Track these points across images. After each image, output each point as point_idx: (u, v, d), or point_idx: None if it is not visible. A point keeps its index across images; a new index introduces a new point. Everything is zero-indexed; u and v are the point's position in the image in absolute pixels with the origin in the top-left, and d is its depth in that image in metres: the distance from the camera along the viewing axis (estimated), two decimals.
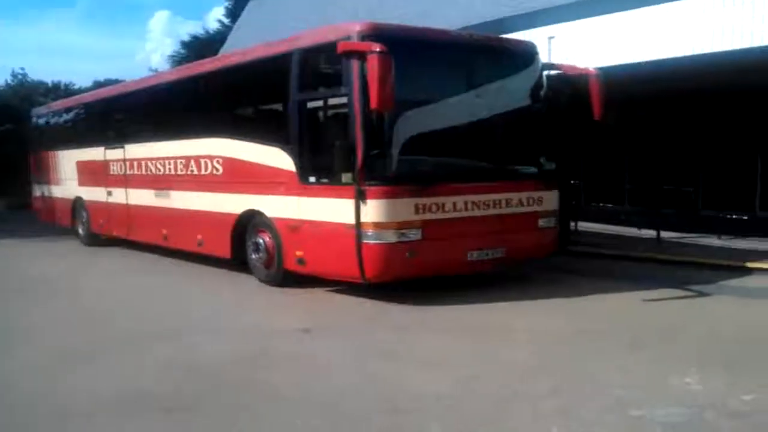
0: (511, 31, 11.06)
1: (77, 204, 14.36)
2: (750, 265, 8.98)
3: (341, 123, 7.48)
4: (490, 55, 8.22)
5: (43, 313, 7.70)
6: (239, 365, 5.44)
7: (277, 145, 8.38)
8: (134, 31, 78.07)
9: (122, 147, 12.27)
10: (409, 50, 7.24)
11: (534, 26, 11.10)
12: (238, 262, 9.46)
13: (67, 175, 14.79)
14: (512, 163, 8.33)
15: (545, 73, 8.59)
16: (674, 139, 13.03)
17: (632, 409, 4.28)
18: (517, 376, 5.06)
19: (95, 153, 13.29)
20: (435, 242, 7.38)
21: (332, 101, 7.74)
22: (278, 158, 8.33)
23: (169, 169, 10.83)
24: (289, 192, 8.19)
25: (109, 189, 12.87)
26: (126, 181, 12.25)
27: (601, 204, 13.99)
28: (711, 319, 6.79)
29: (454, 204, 7.56)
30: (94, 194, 13.53)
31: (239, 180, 9.16)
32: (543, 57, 8.83)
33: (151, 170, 11.38)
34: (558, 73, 8.73)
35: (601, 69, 8.51)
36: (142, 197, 11.71)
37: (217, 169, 9.61)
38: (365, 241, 7.21)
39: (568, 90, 8.79)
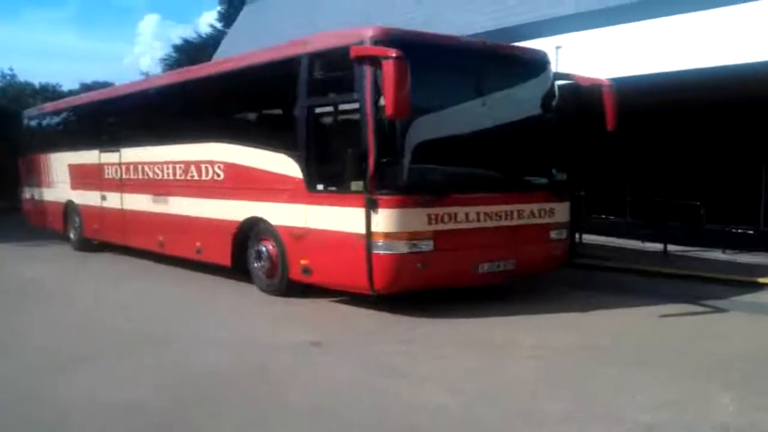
0: (519, 39, 10.88)
1: (69, 208, 14.04)
2: (761, 280, 8.85)
3: (351, 130, 7.28)
4: (503, 63, 8.06)
5: (36, 319, 7.46)
6: (245, 379, 5.23)
7: (283, 152, 8.16)
8: (123, 34, 77.68)
9: (118, 150, 11.98)
10: (423, 56, 7.04)
11: (541, 35, 10.97)
12: (238, 270, 9.21)
13: (58, 178, 14.47)
14: (524, 174, 8.16)
15: (557, 82, 8.45)
16: (677, 152, 12.94)
17: None
18: (528, 395, 4.88)
19: (89, 156, 13.00)
20: (446, 253, 7.18)
21: (342, 107, 7.54)
22: (284, 165, 8.11)
23: (168, 173, 10.58)
24: (294, 199, 7.97)
25: (104, 193, 12.58)
26: (121, 186, 11.97)
27: (603, 216, 13.85)
28: (727, 336, 6.63)
29: (467, 214, 7.37)
30: (87, 198, 13.23)
31: (242, 186, 8.92)
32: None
33: (148, 174, 11.11)
34: (570, 83, 8.57)
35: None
36: (138, 202, 11.43)
37: (219, 175, 9.37)
38: (375, 252, 7.00)
39: (580, 100, 8.62)
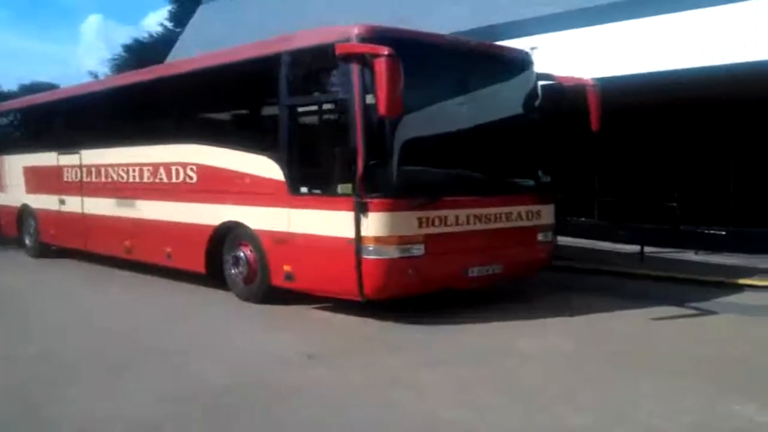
0: (493, 40, 10.81)
1: (24, 212, 13.36)
2: (741, 281, 8.92)
3: (337, 130, 7.04)
4: (489, 62, 7.92)
5: (8, 335, 6.93)
6: (242, 395, 4.89)
7: (262, 153, 7.84)
8: (65, 34, 75.24)
9: (78, 152, 11.43)
10: (409, 54, 6.75)
11: (516, 36, 10.88)
12: (212, 276, 8.83)
13: (12, 181, 13.78)
14: (512, 176, 8.03)
15: (540, 83, 8.35)
16: (647, 153, 13.06)
17: None
18: (545, 405, 4.69)
19: (46, 158, 12.39)
20: (437, 258, 6.98)
21: (327, 107, 7.25)
22: (264, 167, 7.79)
23: (134, 176, 10.11)
24: (276, 203, 7.65)
25: (62, 197, 11.99)
26: (82, 189, 11.42)
27: (572, 217, 13.88)
28: (724, 339, 6.60)
29: (457, 217, 7.19)
30: (44, 202, 12.60)
31: (217, 189, 8.55)
32: None
33: (112, 177, 10.61)
34: (552, 83, 8.47)
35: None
36: (101, 206, 10.90)
37: (191, 178, 8.97)
38: (365, 256, 6.75)
39: (562, 100, 8.53)
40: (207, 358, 5.89)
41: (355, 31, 6.86)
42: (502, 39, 10.88)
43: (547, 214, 8.15)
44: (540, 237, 8.07)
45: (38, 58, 64.04)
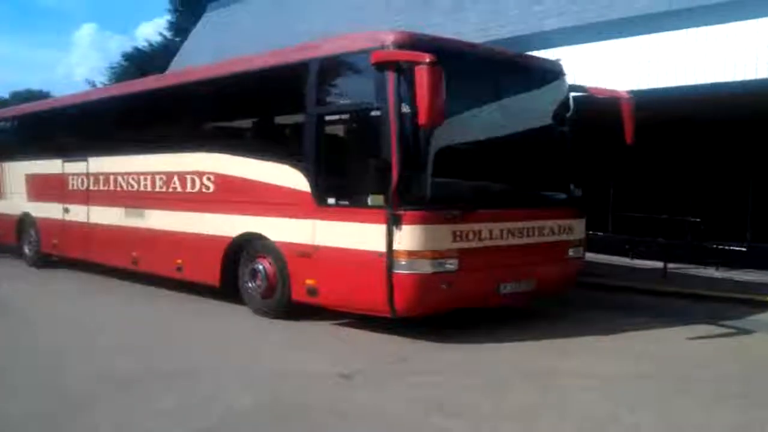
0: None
1: (24, 221, 12.96)
2: None
3: (369, 140, 6.75)
4: (522, 72, 7.69)
5: (17, 351, 6.55)
6: (288, 419, 4.57)
7: (286, 163, 7.54)
8: (58, 42, 74.65)
9: (85, 160, 11.08)
10: (445, 63, 6.50)
11: (539, 48, 10.62)
12: (227, 290, 8.49)
13: (12, 188, 13.39)
14: (544, 189, 7.77)
15: (572, 94, 8.11)
16: (663, 167, 12.86)
17: None
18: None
19: (50, 165, 12.03)
20: (470, 273, 6.69)
21: (358, 115, 6.94)
22: (288, 177, 7.49)
23: (145, 185, 9.77)
24: (300, 214, 7.35)
25: (67, 205, 11.62)
26: (88, 198, 11.06)
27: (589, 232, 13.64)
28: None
29: (491, 231, 6.91)
30: (46, 211, 12.22)
31: (235, 199, 8.23)
32: None
33: (121, 186, 10.27)
34: (584, 95, 8.23)
35: None
36: (108, 215, 10.55)
37: (208, 187, 8.65)
38: (397, 271, 6.45)
39: (594, 113, 8.29)
40: (236, 379, 5.53)
41: (391, 38, 6.61)
42: (527, 51, 10.70)
43: (578, 228, 7.89)
44: (571, 252, 7.82)
45: (30, 66, 63.27)
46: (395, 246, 6.45)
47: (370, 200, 6.67)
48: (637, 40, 10.38)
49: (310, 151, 7.26)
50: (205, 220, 8.65)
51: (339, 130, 7.12)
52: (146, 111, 9.99)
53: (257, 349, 6.60)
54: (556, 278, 7.72)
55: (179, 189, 9.12)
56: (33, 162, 12.65)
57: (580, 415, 4.72)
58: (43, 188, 12.37)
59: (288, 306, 7.68)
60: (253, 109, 8.54)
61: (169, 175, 9.28)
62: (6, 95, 39.62)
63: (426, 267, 6.44)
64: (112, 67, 35.42)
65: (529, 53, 8.87)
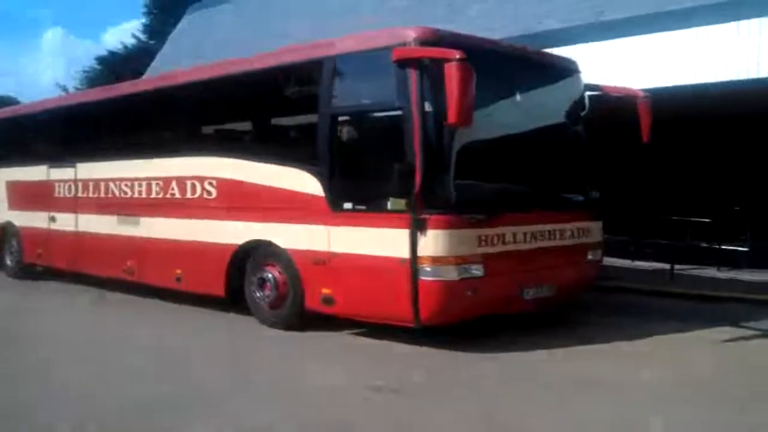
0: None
1: (6, 230, 12.39)
2: None
3: (389, 141, 6.47)
4: (541, 70, 7.46)
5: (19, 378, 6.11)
6: None
7: (298, 166, 7.22)
8: (22, 48, 72.99)
9: (73, 166, 10.60)
10: (470, 61, 6.26)
11: (550, 46, 10.37)
12: (232, 300, 8.13)
13: None
14: (564, 191, 7.55)
15: (587, 93, 7.92)
16: (665, 167, 12.78)
17: None
18: None
19: (34, 172, 11.52)
20: (495, 279, 6.44)
21: (377, 115, 6.66)
22: (299, 181, 7.18)
23: (140, 191, 9.35)
24: (313, 220, 7.04)
25: (53, 213, 11.12)
26: (76, 205, 10.59)
27: None
28: None
29: (514, 235, 6.68)
30: (30, 219, 11.69)
31: (241, 205, 7.89)
32: None
33: (113, 192, 9.82)
34: (598, 93, 8.04)
35: None
36: (99, 224, 10.10)
37: (210, 193, 8.28)
38: (422, 278, 6.18)
39: (608, 112, 8.12)
40: (267, 397, 5.18)
41: (413, 34, 6.35)
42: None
43: (596, 231, 7.70)
44: (590, 256, 7.62)
45: None
46: (419, 252, 6.18)
47: (390, 204, 6.40)
48: (651, 38, 10.18)
49: (324, 153, 6.95)
50: (207, 228, 8.28)
51: (356, 131, 6.82)
52: (141, 114, 9.56)
53: (278, 364, 6.25)
54: (576, 282, 7.53)
55: (178, 195, 8.73)
56: (15, 169, 12.11)
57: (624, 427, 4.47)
58: (26, 196, 11.85)
59: (300, 316, 7.36)
60: (261, 110, 8.17)
61: (167, 181, 8.88)
62: None
63: (452, 273, 6.18)
64: (86, 71, 34.54)
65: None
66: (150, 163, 9.15)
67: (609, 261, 11.60)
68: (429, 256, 6.14)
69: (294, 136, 7.62)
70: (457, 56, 5.72)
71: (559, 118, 7.39)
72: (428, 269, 6.15)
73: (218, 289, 8.13)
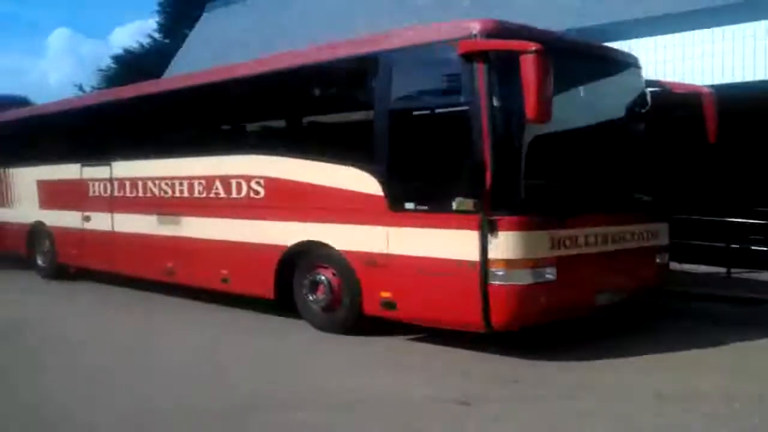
0: None
1: (37, 230, 12.19)
2: None
3: (455, 138, 6.17)
4: (605, 65, 7.14)
5: (66, 382, 5.86)
6: None
7: (354, 165, 6.94)
8: (30, 48, 73.03)
9: (108, 164, 10.37)
10: None
11: (610, 40, 9.99)
12: (282, 303, 7.87)
13: (22, 196, 12.63)
14: (632, 191, 7.24)
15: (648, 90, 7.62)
16: (724, 167, 12.32)
17: None
18: None
19: (66, 170, 11.31)
20: (568, 283, 6.14)
21: (441, 111, 6.33)
22: (355, 180, 6.91)
23: (181, 191, 9.10)
24: (371, 220, 6.77)
25: (87, 213, 10.90)
26: (112, 204, 10.35)
27: None
28: None
29: (586, 237, 6.38)
30: (63, 219, 11.47)
31: (291, 205, 7.62)
32: None
33: (152, 192, 9.57)
34: (660, 90, 7.73)
35: None
36: (136, 223, 9.85)
37: (257, 192, 8.02)
38: (493, 282, 5.89)
39: (673, 109, 7.81)
40: (347, 409, 4.90)
41: (478, 26, 6.06)
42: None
43: (663, 233, 7.39)
44: (658, 259, 7.31)
45: (3, 72, 61.01)
46: (490, 254, 5.89)
47: (455, 204, 6.10)
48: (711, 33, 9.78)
49: (382, 151, 6.67)
50: (254, 228, 8.02)
51: (417, 128, 6.50)
52: (183, 111, 9.30)
53: (345, 371, 5.97)
54: (645, 286, 7.22)
55: (222, 195, 8.47)
56: (46, 167, 11.90)
57: None
58: (58, 195, 11.63)
59: (356, 320, 7.10)
60: (314, 106, 7.88)
61: (210, 180, 8.62)
62: None
63: (525, 277, 5.89)
64: (102, 70, 34.37)
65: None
66: (192, 161, 8.91)
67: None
68: (501, 259, 5.86)
69: (349, 134, 7.32)
70: (534, 48, 5.44)
71: (624, 115, 7.13)
72: (500, 273, 5.87)
73: (267, 291, 7.87)
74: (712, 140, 7.37)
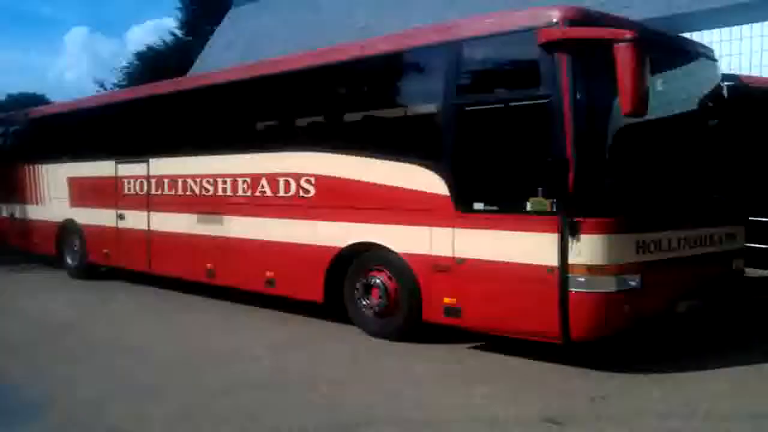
0: None
1: (67, 228, 11.88)
2: None
3: (532, 134, 5.76)
4: (685, 58, 6.69)
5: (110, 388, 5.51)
6: None
7: (415, 162, 6.55)
8: (48, 46, 73.33)
9: (145, 161, 10.02)
10: None
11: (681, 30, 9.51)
12: (331, 307, 7.50)
13: (51, 193, 12.32)
14: (712, 191, 6.78)
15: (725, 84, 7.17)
16: None
17: None
18: None
19: (99, 167, 10.97)
20: (651, 290, 5.69)
21: (516, 105, 5.90)
22: (417, 178, 6.51)
23: (224, 189, 8.73)
24: (435, 222, 6.37)
25: (121, 211, 10.56)
26: (148, 202, 10.01)
27: None
28: None
29: (669, 241, 5.94)
30: (94, 217, 11.15)
31: (344, 205, 7.24)
32: None
33: (193, 190, 9.21)
34: (736, 84, 7.27)
35: None
36: (175, 222, 9.50)
37: (307, 191, 7.64)
38: (574, 289, 5.47)
39: (748, 105, 7.33)
40: (425, 426, 4.53)
41: (559, 14, 5.64)
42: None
43: (741, 237, 6.95)
44: (734, 264, 6.86)
45: (20, 70, 61.00)
46: (572, 259, 5.47)
47: (530, 205, 5.71)
48: None
49: (449, 148, 6.27)
50: (303, 228, 7.64)
51: (489, 123, 6.07)
52: (228, 106, 8.90)
53: (422, 385, 5.54)
54: (723, 293, 6.77)
55: (269, 193, 8.09)
56: (77, 164, 11.59)
57: None
58: (90, 192, 11.30)
59: (414, 327, 6.70)
60: (373, 100, 7.43)
61: (256, 178, 8.24)
62: (2, 97, 38.15)
63: (610, 284, 5.46)
64: (125, 67, 34.20)
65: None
66: (237, 158, 8.54)
67: None
68: (584, 265, 5.43)
69: (412, 129, 6.90)
70: (630, 36, 5.03)
71: (704, 110, 6.69)
72: (581, 279, 5.45)
73: (315, 294, 7.50)
74: None
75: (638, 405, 4.92)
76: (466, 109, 6.16)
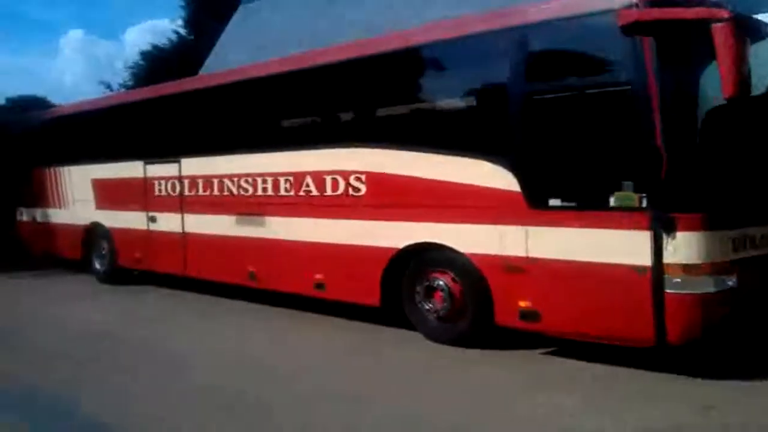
0: None
1: (94, 232, 11.50)
2: None
3: (614, 124, 5.37)
4: (762, 41, 6.26)
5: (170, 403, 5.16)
6: None
7: (480, 156, 6.16)
8: (43, 48, 73.17)
9: (176, 161, 9.64)
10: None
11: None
12: (389, 311, 7.13)
13: (76, 196, 11.94)
14: None
15: None
16: None
17: None
18: None
19: (127, 169, 10.59)
20: (746, 290, 5.32)
21: (594, 92, 5.49)
22: (483, 173, 6.12)
23: (265, 188, 8.34)
24: (504, 219, 5.98)
25: (153, 213, 10.19)
26: (182, 204, 9.63)
27: None
28: None
29: (762, 237, 5.55)
30: (123, 220, 10.78)
31: (400, 203, 6.85)
32: None
33: (230, 190, 8.83)
34: None
35: None
36: (212, 224, 9.12)
37: (357, 189, 7.25)
38: (670, 291, 5.08)
39: None
40: None
41: None
42: None
43: None
44: None
45: (16, 73, 60.38)
46: (666, 259, 5.09)
47: (614, 200, 5.32)
48: None
49: (519, 140, 5.88)
50: (355, 229, 7.26)
51: (562, 114, 5.66)
52: (268, 101, 8.48)
53: (510, 395, 5.18)
54: None
55: (314, 192, 7.71)
56: (103, 165, 11.20)
57: None
58: (118, 194, 10.93)
59: (483, 332, 6.33)
60: (431, 91, 6.99)
61: (300, 176, 7.86)
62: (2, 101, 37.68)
63: (706, 285, 5.08)
64: (130, 67, 33.71)
65: None
66: (279, 156, 8.14)
67: None
68: (680, 264, 5.06)
69: (477, 121, 6.47)
70: (727, 16, 4.65)
71: None
72: (677, 280, 5.07)
73: (372, 298, 7.12)
74: None
75: (750, 417, 4.54)
76: (538, 98, 5.77)
